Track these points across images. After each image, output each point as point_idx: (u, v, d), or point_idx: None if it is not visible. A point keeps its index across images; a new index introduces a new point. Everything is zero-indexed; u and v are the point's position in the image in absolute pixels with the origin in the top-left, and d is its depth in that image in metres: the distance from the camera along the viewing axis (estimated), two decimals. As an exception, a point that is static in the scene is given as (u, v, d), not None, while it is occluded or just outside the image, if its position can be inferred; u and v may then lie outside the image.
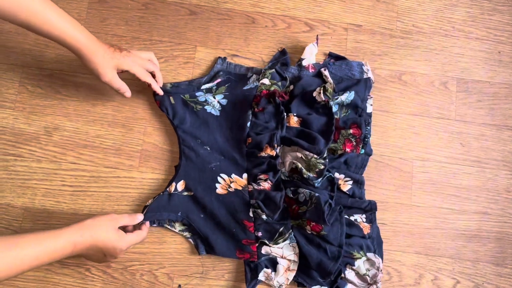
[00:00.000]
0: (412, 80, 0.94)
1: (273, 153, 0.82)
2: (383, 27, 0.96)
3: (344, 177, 0.85)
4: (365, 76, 0.90)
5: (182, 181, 0.84)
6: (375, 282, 0.81)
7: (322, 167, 0.81)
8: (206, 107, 0.86)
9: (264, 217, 0.81)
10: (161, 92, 0.85)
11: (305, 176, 0.80)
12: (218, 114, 0.87)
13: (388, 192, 0.89)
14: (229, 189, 0.83)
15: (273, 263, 0.82)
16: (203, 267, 0.84)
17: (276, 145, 0.82)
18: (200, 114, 0.86)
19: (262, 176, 0.82)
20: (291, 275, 0.81)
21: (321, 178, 0.81)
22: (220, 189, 0.84)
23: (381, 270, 0.81)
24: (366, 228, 0.84)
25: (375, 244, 0.84)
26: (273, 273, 0.81)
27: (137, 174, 0.88)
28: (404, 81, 0.93)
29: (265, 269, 0.82)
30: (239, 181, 0.83)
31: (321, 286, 0.81)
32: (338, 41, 0.95)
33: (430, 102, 0.93)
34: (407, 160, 0.90)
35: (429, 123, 0.92)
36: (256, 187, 0.82)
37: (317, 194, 0.79)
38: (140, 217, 0.79)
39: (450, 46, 0.95)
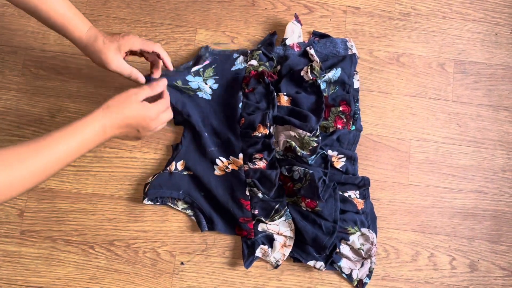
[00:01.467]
0: (410, 62, 0.95)
1: (266, 131, 0.83)
2: (382, 9, 0.97)
3: (337, 154, 0.87)
4: (349, 52, 0.91)
5: (182, 161, 0.85)
6: (370, 256, 0.83)
7: (315, 144, 0.82)
8: (198, 93, 0.86)
9: (260, 195, 0.83)
10: (171, 68, 0.82)
11: (299, 154, 0.82)
12: (210, 98, 0.87)
13: (386, 171, 0.90)
14: (226, 170, 0.85)
15: (269, 240, 0.84)
16: (206, 245, 0.86)
17: (269, 124, 0.83)
18: (194, 99, 0.87)
19: (257, 155, 0.84)
20: (287, 250, 0.83)
21: (314, 156, 0.83)
22: (217, 171, 0.85)
23: (375, 245, 0.83)
24: (360, 204, 0.85)
25: (369, 219, 0.86)
26: (269, 249, 0.83)
27: (139, 154, 0.89)
28: (402, 62, 0.95)
29: (261, 246, 0.84)
30: (235, 162, 0.85)
31: (317, 261, 0.83)
32: (337, 23, 0.96)
33: (428, 83, 0.94)
34: (405, 140, 0.92)
35: (427, 104, 0.93)
36: (251, 166, 0.84)
37: (311, 171, 0.81)
38: (161, 83, 0.77)
39: (447, 28, 0.97)
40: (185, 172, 0.85)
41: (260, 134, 0.84)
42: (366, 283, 0.84)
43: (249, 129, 0.85)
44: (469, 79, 0.95)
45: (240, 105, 0.86)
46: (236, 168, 0.84)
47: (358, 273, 0.84)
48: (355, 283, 0.85)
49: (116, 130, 0.70)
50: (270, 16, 0.95)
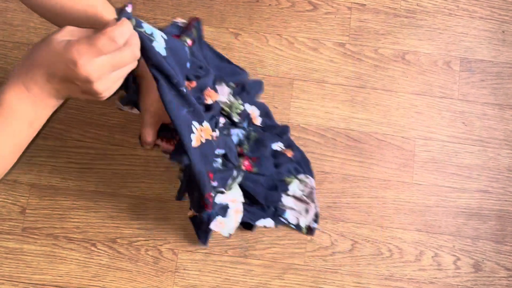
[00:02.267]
0: (416, 60, 0.94)
1: (217, 97, 0.71)
2: (388, 6, 0.96)
3: (251, 107, 0.84)
4: None
5: None
6: (312, 200, 0.84)
7: (242, 107, 0.80)
8: (154, 43, 0.58)
9: (219, 165, 0.73)
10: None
11: (235, 119, 0.79)
12: (165, 54, 0.60)
13: (390, 170, 0.90)
14: (201, 140, 0.67)
15: (224, 210, 0.78)
16: (208, 243, 0.86)
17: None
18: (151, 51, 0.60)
19: (222, 120, 0.73)
20: (240, 216, 0.80)
21: (246, 120, 0.81)
22: (194, 141, 0.66)
23: (314, 188, 0.84)
24: (288, 153, 0.85)
25: (302, 165, 0.86)
26: (224, 218, 0.78)
27: (142, 151, 0.89)
28: (408, 60, 0.94)
29: (218, 218, 0.77)
30: (207, 130, 0.67)
31: (264, 219, 0.83)
32: (342, 20, 0.95)
33: (433, 81, 0.93)
34: (410, 139, 0.91)
35: (432, 102, 0.92)
36: (217, 134, 0.70)
37: (252, 132, 0.79)
38: (119, 25, 0.49)
39: (454, 26, 0.95)
40: None
41: (212, 102, 0.71)
42: (314, 228, 0.85)
43: (200, 94, 0.70)
44: (475, 77, 0.94)
45: (188, 64, 0.66)
46: (209, 138, 0.67)
47: (305, 221, 0.85)
48: (305, 230, 0.85)
49: (43, 85, 0.49)
50: (275, 13, 0.95)
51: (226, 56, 0.89)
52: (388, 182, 0.89)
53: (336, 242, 0.87)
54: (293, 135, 0.90)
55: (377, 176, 0.89)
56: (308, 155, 0.89)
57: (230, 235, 0.82)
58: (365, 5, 0.96)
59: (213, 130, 0.70)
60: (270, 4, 0.95)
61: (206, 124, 0.68)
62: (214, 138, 0.70)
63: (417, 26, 0.95)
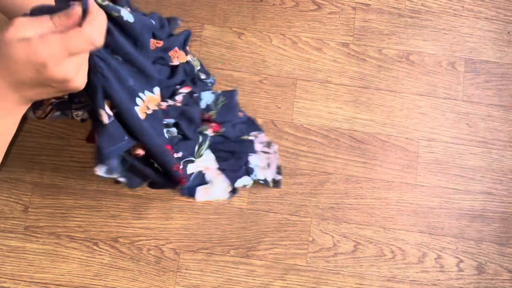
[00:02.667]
0: (420, 60, 0.93)
1: (186, 58, 0.67)
2: (392, 6, 0.95)
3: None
4: None
5: (107, 100, 0.56)
6: (273, 150, 0.87)
7: (198, 62, 0.79)
8: (122, 13, 0.54)
9: (176, 134, 0.68)
10: None
11: (203, 77, 0.79)
12: (133, 20, 0.55)
13: (393, 171, 0.89)
14: (147, 111, 0.60)
15: (201, 177, 0.76)
16: (211, 243, 0.85)
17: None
18: (119, 21, 0.54)
19: (184, 90, 0.66)
20: (223, 177, 0.80)
21: (211, 76, 0.82)
22: (140, 114, 0.58)
23: (274, 141, 0.88)
24: (240, 114, 0.89)
25: (250, 123, 0.89)
26: (207, 186, 0.78)
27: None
28: (412, 61, 0.93)
29: (201, 187, 0.76)
30: (152, 99, 0.61)
31: (241, 178, 0.84)
32: (346, 20, 0.94)
33: (438, 82, 0.93)
34: (413, 140, 0.90)
35: (436, 103, 0.92)
36: (171, 103, 0.65)
37: (219, 92, 0.80)
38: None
39: (458, 26, 0.95)
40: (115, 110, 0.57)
41: (178, 63, 0.66)
42: (279, 180, 0.87)
43: (164, 54, 0.64)
44: (479, 78, 0.93)
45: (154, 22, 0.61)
46: (156, 108, 0.61)
47: (270, 174, 0.87)
48: (271, 184, 0.87)
49: (10, 96, 0.42)
50: (278, 12, 0.94)
51: (228, 56, 0.91)
52: (391, 183, 0.89)
53: (338, 243, 0.86)
54: (296, 135, 0.90)
55: (380, 177, 0.88)
56: (311, 156, 0.89)
57: (234, 193, 0.82)
58: (369, 5, 0.95)
59: (164, 100, 0.63)
60: (274, 4, 0.94)
61: (157, 90, 0.61)
62: (163, 107, 0.64)
63: (422, 27, 0.94)
